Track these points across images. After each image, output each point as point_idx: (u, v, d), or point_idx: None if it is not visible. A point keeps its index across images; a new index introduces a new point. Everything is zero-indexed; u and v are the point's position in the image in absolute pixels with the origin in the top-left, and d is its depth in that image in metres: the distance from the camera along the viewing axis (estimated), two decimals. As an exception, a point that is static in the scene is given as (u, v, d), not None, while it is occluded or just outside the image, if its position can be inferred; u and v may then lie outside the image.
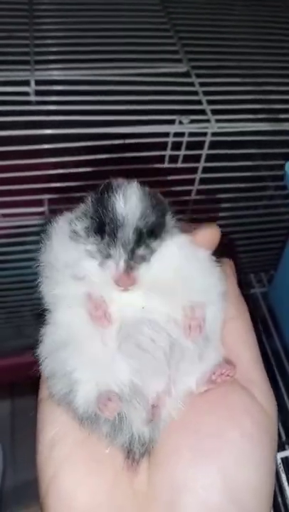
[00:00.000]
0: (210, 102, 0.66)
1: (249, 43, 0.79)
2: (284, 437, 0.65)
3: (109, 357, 0.35)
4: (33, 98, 0.62)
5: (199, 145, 0.66)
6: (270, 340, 0.82)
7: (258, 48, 0.78)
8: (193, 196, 0.72)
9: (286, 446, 0.64)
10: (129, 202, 0.35)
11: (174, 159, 0.67)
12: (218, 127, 0.64)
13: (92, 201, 0.37)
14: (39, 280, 0.39)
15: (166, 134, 0.64)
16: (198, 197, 0.73)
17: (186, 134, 0.64)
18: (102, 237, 0.35)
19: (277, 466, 0.53)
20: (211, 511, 0.33)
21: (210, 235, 0.38)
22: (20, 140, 0.60)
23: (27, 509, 0.90)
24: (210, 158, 0.68)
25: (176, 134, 0.64)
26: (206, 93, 0.67)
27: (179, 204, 0.72)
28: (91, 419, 0.36)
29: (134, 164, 0.67)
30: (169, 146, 0.65)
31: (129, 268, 0.34)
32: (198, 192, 0.72)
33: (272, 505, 0.36)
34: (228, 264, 0.41)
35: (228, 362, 0.38)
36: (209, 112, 0.65)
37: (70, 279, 0.36)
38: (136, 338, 0.35)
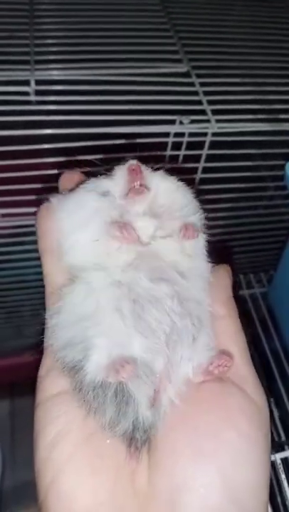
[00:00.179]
0: (210, 102, 0.66)
1: (249, 43, 0.79)
2: (283, 438, 0.65)
3: (126, 331, 0.37)
4: (33, 98, 0.62)
5: (199, 145, 0.66)
6: (269, 341, 0.82)
7: (258, 48, 0.78)
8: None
9: (285, 447, 0.64)
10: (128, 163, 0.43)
11: (174, 159, 0.67)
12: (219, 127, 0.64)
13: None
14: (63, 247, 0.41)
15: (167, 134, 0.64)
16: (198, 197, 0.73)
17: (187, 134, 0.64)
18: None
19: (276, 466, 0.53)
20: (211, 510, 0.33)
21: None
22: (21, 140, 0.60)
23: (27, 509, 0.90)
24: (210, 158, 0.68)
25: (177, 134, 0.64)
26: (206, 93, 0.67)
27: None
28: (97, 392, 0.36)
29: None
30: (169, 146, 0.65)
31: (138, 162, 0.42)
32: (199, 192, 0.72)
33: (272, 505, 0.36)
34: (225, 268, 0.43)
35: (224, 353, 0.39)
36: (209, 112, 0.65)
37: (93, 200, 0.41)
38: (146, 319, 0.37)
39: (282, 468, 0.54)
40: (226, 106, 0.66)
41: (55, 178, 0.66)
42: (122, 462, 0.36)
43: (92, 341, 0.37)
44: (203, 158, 0.67)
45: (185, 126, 0.64)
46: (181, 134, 0.64)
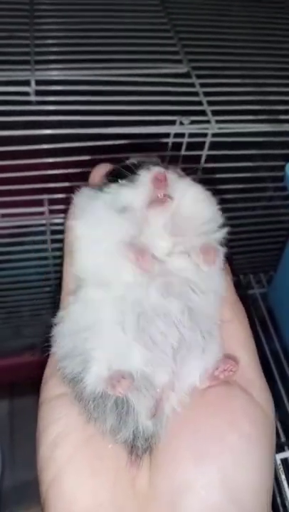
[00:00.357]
0: (210, 103, 0.66)
1: (250, 44, 0.79)
2: (283, 438, 0.65)
3: (127, 344, 0.36)
4: (33, 98, 0.61)
5: (199, 146, 0.66)
6: (269, 342, 0.82)
7: (258, 49, 0.78)
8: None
9: (285, 448, 0.64)
10: (140, 158, 0.42)
11: (174, 160, 0.67)
12: (219, 128, 0.64)
13: (107, 176, 0.42)
14: (75, 255, 0.40)
15: (167, 135, 0.64)
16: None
17: (187, 135, 0.64)
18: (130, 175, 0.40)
19: (276, 467, 0.53)
20: (212, 511, 0.33)
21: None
22: (21, 140, 0.60)
23: (27, 510, 0.89)
24: (210, 159, 0.68)
25: (177, 135, 0.64)
26: (206, 94, 0.67)
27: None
28: (97, 402, 0.36)
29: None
30: (170, 146, 0.65)
31: (164, 170, 0.40)
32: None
33: (272, 506, 0.36)
34: (225, 268, 0.42)
35: (229, 357, 0.39)
36: (210, 113, 0.65)
37: (111, 219, 0.39)
38: (150, 331, 0.36)
39: (282, 468, 0.54)
40: (226, 107, 0.66)
41: (55, 178, 0.66)
42: (122, 463, 0.36)
43: (90, 354, 0.36)
44: (203, 158, 0.67)
45: (185, 126, 0.64)
46: (181, 135, 0.64)
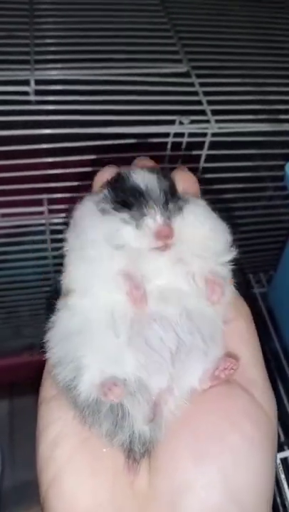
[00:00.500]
0: (210, 103, 0.66)
1: (250, 43, 0.79)
2: (283, 438, 0.65)
3: (119, 349, 0.36)
4: (32, 98, 0.61)
5: (199, 145, 0.66)
6: (269, 342, 0.82)
7: (258, 49, 0.78)
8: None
9: (285, 447, 0.64)
10: (146, 175, 0.39)
11: (173, 160, 0.67)
12: (218, 128, 0.64)
13: (110, 187, 0.40)
14: (65, 262, 0.39)
15: (166, 135, 0.64)
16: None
17: (186, 135, 0.64)
18: (133, 207, 0.37)
19: (276, 466, 0.53)
20: None
21: (187, 178, 0.42)
22: (20, 139, 0.60)
23: (27, 510, 0.89)
24: (210, 158, 0.68)
25: (176, 135, 0.64)
26: (206, 93, 0.67)
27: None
28: (92, 408, 0.36)
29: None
30: (169, 146, 0.65)
31: (167, 218, 0.37)
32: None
33: (271, 505, 0.36)
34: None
35: (229, 355, 0.38)
36: (209, 113, 0.65)
37: (106, 253, 0.37)
38: (145, 335, 0.36)
39: (281, 468, 0.54)
40: (225, 106, 0.66)
41: (55, 177, 0.66)
42: (121, 464, 0.36)
43: (81, 361, 0.36)
44: (202, 158, 0.67)
45: (185, 126, 0.64)
46: (181, 134, 0.64)
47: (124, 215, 0.37)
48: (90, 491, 0.35)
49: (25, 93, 0.61)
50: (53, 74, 0.65)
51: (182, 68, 0.70)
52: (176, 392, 0.36)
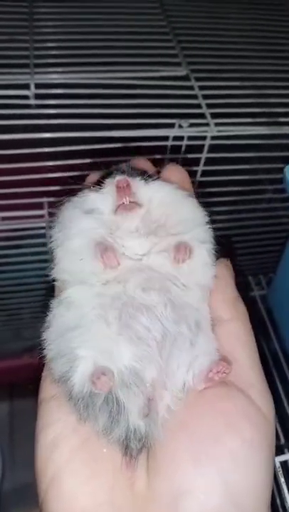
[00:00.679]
0: (209, 106, 0.66)
1: (249, 46, 0.79)
2: (283, 441, 0.65)
3: (112, 339, 0.36)
4: (32, 102, 0.62)
5: (198, 149, 0.66)
6: (268, 344, 0.82)
7: (257, 51, 0.78)
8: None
9: (285, 450, 0.64)
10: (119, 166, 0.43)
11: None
12: (218, 131, 0.64)
13: (92, 185, 0.43)
14: (53, 256, 0.41)
15: (166, 138, 0.64)
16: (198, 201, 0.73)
17: (186, 138, 0.64)
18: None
19: (275, 469, 0.53)
20: None
21: (177, 172, 0.44)
22: (20, 143, 0.60)
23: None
24: (209, 161, 0.68)
25: (176, 138, 0.64)
26: (205, 97, 0.67)
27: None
28: (86, 401, 0.36)
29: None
30: (168, 149, 0.65)
31: (127, 178, 0.40)
32: (197, 195, 0.72)
33: (271, 508, 0.36)
34: (225, 263, 0.42)
35: (223, 359, 0.38)
36: (208, 116, 0.65)
37: (81, 234, 0.40)
38: (134, 327, 0.36)
39: (281, 471, 0.54)
40: (225, 109, 0.66)
41: (55, 181, 0.66)
42: (120, 465, 0.36)
43: (75, 352, 0.36)
44: (202, 161, 0.67)
45: (184, 129, 0.64)
46: (180, 138, 0.64)
47: (93, 188, 0.42)
48: (89, 492, 0.35)
49: (26, 97, 0.62)
50: (53, 77, 0.65)
51: (181, 71, 0.71)
52: (169, 386, 0.37)
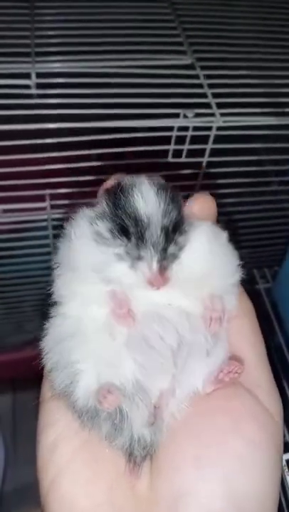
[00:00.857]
0: (215, 95, 0.64)
1: (256, 35, 0.77)
2: None
3: (116, 351, 0.35)
4: (34, 91, 0.60)
5: (204, 139, 0.65)
6: (273, 337, 0.81)
7: (264, 40, 0.76)
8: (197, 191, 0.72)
9: (290, 447, 0.63)
10: (148, 200, 0.35)
11: (177, 154, 0.66)
12: (224, 121, 0.63)
13: (109, 201, 0.36)
14: (54, 274, 0.38)
15: (170, 128, 0.63)
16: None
17: (191, 128, 0.63)
18: (129, 239, 0.34)
19: (281, 468, 0.52)
20: None
21: (206, 203, 0.38)
22: (22, 134, 0.59)
23: (29, 509, 0.89)
24: (214, 152, 0.67)
25: (181, 128, 0.63)
26: (211, 86, 0.66)
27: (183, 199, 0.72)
28: (90, 414, 0.35)
29: (137, 159, 0.66)
30: (173, 140, 0.64)
31: (163, 268, 0.34)
32: (202, 187, 0.71)
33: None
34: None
35: (234, 358, 0.37)
36: (214, 106, 0.63)
37: (95, 280, 0.35)
38: (144, 334, 0.35)
39: (287, 469, 0.53)
40: (231, 99, 0.65)
41: (57, 173, 0.65)
42: (121, 466, 0.36)
43: (76, 367, 0.35)
44: (207, 152, 0.66)
45: (189, 119, 0.62)
46: (185, 128, 0.63)
47: (120, 249, 0.35)
48: (89, 493, 0.34)
49: (27, 86, 0.60)
50: (55, 66, 0.64)
51: (186, 60, 0.69)
52: (178, 394, 0.36)
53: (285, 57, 0.73)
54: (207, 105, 0.64)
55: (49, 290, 0.39)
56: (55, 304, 0.38)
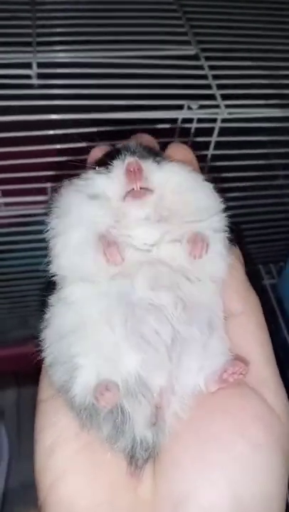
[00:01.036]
0: (220, 87, 0.63)
1: (261, 25, 0.76)
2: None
3: (116, 345, 0.34)
4: (35, 81, 0.60)
5: (208, 131, 0.64)
6: (278, 333, 0.81)
7: (270, 30, 0.75)
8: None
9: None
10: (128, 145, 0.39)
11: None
12: (229, 113, 0.62)
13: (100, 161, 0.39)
14: (50, 250, 0.38)
15: (175, 120, 0.62)
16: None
17: (195, 120, 0.62)
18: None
19: None
20: None
21: (181, 149, 0.41)
22: (22, 125, 0.58)
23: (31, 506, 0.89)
24: (219, 145, 0.65)
25: (185, 120, 0.62)
26: (215, 77, 0.64)
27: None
28: (89, 412, 0.34)
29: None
30: (177, 132, 0.63)
31: (138, 161, 0.36)
32: (207, 180, 0.70)
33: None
34: (235, 252, 0.39)
35: (239, 358, 0.36)
36: (219, 97, 0.62)
37: (83, 224, 0.36)
38: (140, 330, 0.34)
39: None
40: (236, 90, 0.64)
41: (58, 165, 0.64)
42: (123, 468, 0.35)
43: (75, 361, 0.34)
44: (212, 145, 0.65)
45: (193, 111, 0.62)
46: (190, 120, 0.62)
47: (100, 169, 0.38)
48: (89, 496, 0.34)
49: (28, 77, 0.59)
50: (57, 56, 0.63)
51: (191, 51, 0.68)
52: (178, 392, 0.35)
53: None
54: (212, 97, 0.63)
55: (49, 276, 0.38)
56: (54, 288, 0.38)
